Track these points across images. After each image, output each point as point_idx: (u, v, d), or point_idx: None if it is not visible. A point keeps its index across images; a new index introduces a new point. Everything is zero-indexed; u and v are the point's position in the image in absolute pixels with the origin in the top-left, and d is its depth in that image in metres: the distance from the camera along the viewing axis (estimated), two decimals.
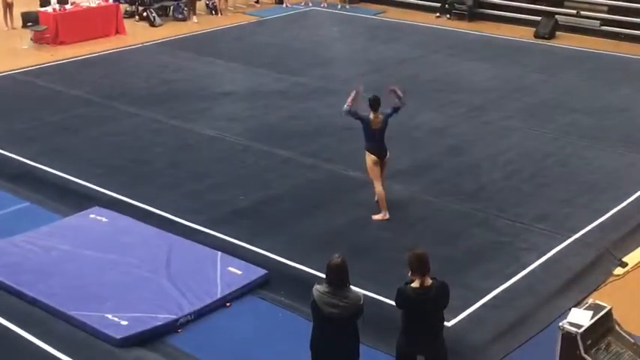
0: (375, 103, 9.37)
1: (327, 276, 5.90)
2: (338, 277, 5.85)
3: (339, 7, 21.40)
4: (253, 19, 20.59)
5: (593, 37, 18.47)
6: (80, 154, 11.67)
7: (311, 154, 11.58)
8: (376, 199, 9.64)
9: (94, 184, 10.54)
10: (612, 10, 18.77)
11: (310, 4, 21.77)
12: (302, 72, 15.72)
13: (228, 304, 7.96)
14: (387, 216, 9.57)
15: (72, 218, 9.65)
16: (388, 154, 9.57)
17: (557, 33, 18.70)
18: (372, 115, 9.37)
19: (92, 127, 12.77)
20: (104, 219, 9.54)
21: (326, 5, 21.66)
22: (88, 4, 18.73)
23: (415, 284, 5.91)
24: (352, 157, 11.36)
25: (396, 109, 9.51)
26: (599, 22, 18.75)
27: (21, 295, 8.00)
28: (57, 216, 9.81)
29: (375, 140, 9.46)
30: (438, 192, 10.28)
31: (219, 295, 7.95)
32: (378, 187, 9.56)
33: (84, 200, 10.09)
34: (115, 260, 8.59)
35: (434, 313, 6.02)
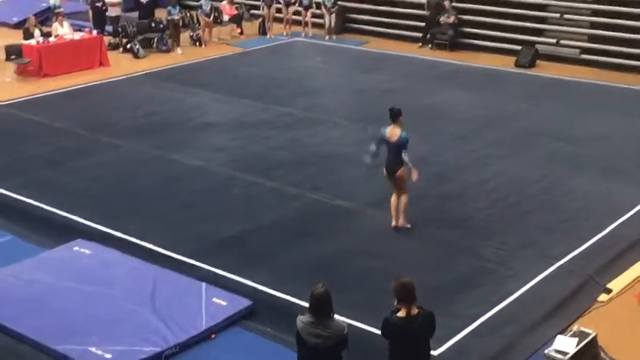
0: (393, 115, 9.65)
1: (310, 306, 5.90)
2: (321, 307, 5.85)
3: (326, 38, 21.55)
4: (237, 50, 20.71)
5: (574, 66, 18.70)
6: (64, 187, 11.63)
7: (297, 183, 11.60)
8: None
9: (78, 217, 10.49)
10: (592, 38, 19.03)
11: (285, 35, 21.83)
12: (287, 102, 15.79)
13: (213, 336, 7.91)
14: (394, 223, 9.95)
15: (55, 251, 9.59)
16: (400, 171, 9.71)
17: (538, 62, 18.90)
18: (389, 128, 9.68)
19: (76, 159, 12.74)
20: (88, 251, 9.49)
21: (310, 36, 21.83)
22: (71, 37, 18.77)
23: (401, 313, 5.91)
24: (338, 187, 11.42)
25: (406, 149, 9.65)
26: (578, 50, 19.01)
27: (4, 329, 7.92)
28: (40, 249, 9.75)
29: (388, 153, 9.76)
30: (424, 220, 10.30)
31: (204, 327, 7.91)
32: (392, 198, 9.94)
33: (68, 233, 10.03)
34: (99, 293, 8.53)
35: (420, 343, 6.02)
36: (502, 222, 10.38)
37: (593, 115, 14.87)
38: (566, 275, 9.04)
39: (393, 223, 10.02)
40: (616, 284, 8.88)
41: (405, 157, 9.64)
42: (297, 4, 21.83)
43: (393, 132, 9.68)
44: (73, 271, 9.01)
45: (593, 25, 19.06)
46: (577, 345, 7.04)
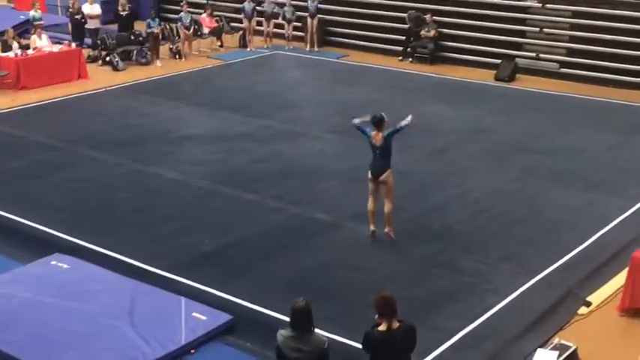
0: (376, 122, 9.73)
1: (291, 320, 5.86)
2: (302, 321, 5.81)
3: (307, 49, 21.58)
4: (217, 62, 20.67)
5: (552, 80, 18.86)
6: (42, 200, 11.50)
7: (277, 196, 11.56)
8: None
9: (56, 231, 10.37)
10: (571, 52, 19.21)
11: (266, 48, 21.83)
12: (267, 115, 15.76)
13: (192, 351, 7.83)
14: (372, 227, 10.00)
15: (33, 265, 9.46)
16: (385, 175, 9.80)
17: (517, 75, 19.04)
18: (374, 132, 9.76)
19: (54, 173, 12.62)
20: (66, 265, 9.38)
21: (291, 49, 21.84)
22: (50, 50, 18.65)
23: (382, 327, 5.88)
24: (319, 199, 11.39)
25: (397, 130, 9.81)
26: (557, 64, 19.17)
27: None
28: (18, 263, 9.62)
29: (374, 156, 9.84)
30: (404, 233, 10.28)
31: (183, 342, 7.82)
32: (369, 203, 9.92)
33: (45, 247, 9.91)
34: (77, 308, 8.42)
35: (401, 357, 5.99)
36: (483, 235, 10.40)
37: (573, 128, 14.98)
38: (547, 288, 9.05)
39: (372, 228, 10.01)
40: (596, 297, 8.90)
41: (406, 122, 9.82)
42: (279, 18, 21.85)
43: (377, 136, 9.75)
44: (51, 285, 8.89)
45: (572, 39, 19.24)
46: (557, 358, 7.04)
